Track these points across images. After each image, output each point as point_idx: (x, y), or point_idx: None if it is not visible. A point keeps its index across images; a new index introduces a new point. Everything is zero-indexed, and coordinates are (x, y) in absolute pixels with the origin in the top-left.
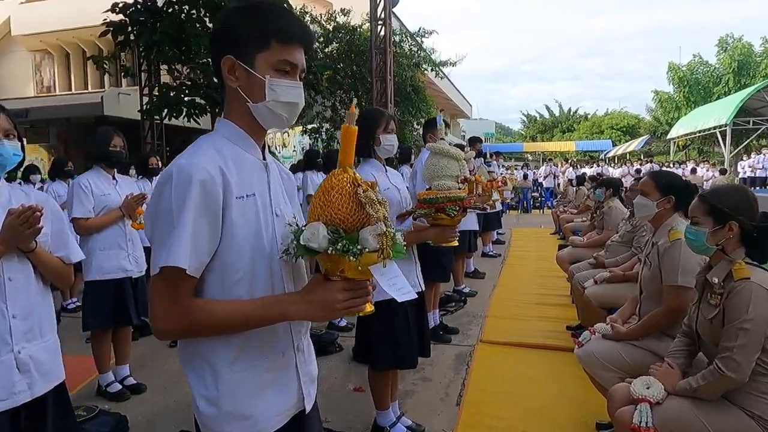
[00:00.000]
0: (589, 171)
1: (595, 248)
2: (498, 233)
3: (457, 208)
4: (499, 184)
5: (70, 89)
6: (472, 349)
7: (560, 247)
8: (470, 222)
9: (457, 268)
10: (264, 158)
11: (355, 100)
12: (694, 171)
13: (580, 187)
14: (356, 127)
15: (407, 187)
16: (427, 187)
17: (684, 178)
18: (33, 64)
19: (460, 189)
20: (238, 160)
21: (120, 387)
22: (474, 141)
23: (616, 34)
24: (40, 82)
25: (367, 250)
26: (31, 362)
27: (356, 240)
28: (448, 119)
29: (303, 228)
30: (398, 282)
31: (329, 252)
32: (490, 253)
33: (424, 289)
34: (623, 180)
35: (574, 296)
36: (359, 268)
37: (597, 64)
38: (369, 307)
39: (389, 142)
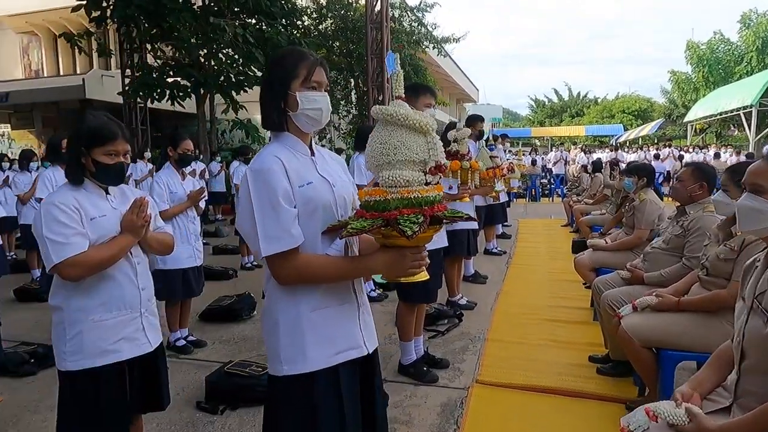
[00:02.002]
0: (603, 156)
1: (623, 252)
2: (504, 226)
3: (421, 218)
4: (504, 171)
5: (59, 72)
6: (465, 395)
7: (575, 245)
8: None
9: (452, 275)
10: None
11: None
12: (717, 156)
13: (596, 174)
14: None
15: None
16: (374, 182)
17: None
18: (20, 46)
19: (428, 186)
20: None
21: (184, 342)
22: (474, 120)
23: (626, 17)
24: (28, 65)
25: None
26: (147, 322)
27: None
28: (454, 105)
29: None
30: None
31: None
32: (494, 251)
33: (372, 350)
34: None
35: (598, 315)
36: None
37: (607, 48)
38: None
39: (313, 104)
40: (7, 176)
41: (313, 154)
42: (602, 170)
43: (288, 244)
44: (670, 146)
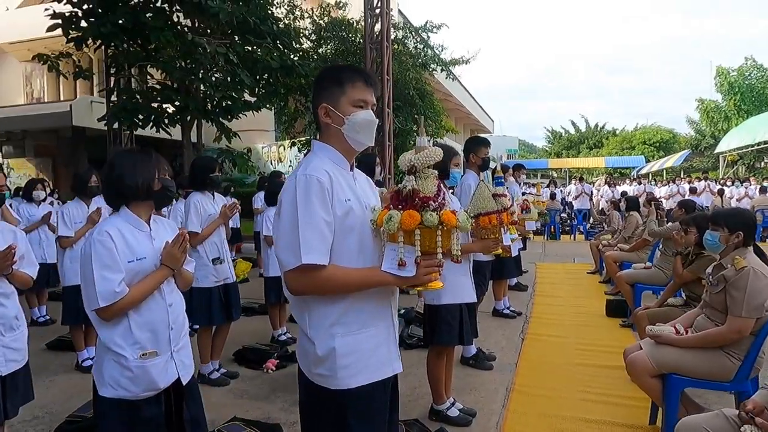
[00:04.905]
0: (629, 189)
1: (709, 350)
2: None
3: None
4: (514, 217)
5: (59, 100)
6: None
7: (611, 306)
8: (462, 290)
9: (439, 372)
10: None
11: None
12: (764, 191)
13: (632, 212)
14: None
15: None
16: None
17: None
18: (24, 74)
19: None
20: None
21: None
22: (476, 144)
23: (642, 50)
24: (30, 93)
25: None
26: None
27: None
28: (468, 135)
29: None
30: None
31: None
32: (505, 312)
33: None
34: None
35: None
36: None
37: (622, 80)
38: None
39: None
40: (49, 213)
41: None
42: (639, 208)
43: None
44: (706, 179)
